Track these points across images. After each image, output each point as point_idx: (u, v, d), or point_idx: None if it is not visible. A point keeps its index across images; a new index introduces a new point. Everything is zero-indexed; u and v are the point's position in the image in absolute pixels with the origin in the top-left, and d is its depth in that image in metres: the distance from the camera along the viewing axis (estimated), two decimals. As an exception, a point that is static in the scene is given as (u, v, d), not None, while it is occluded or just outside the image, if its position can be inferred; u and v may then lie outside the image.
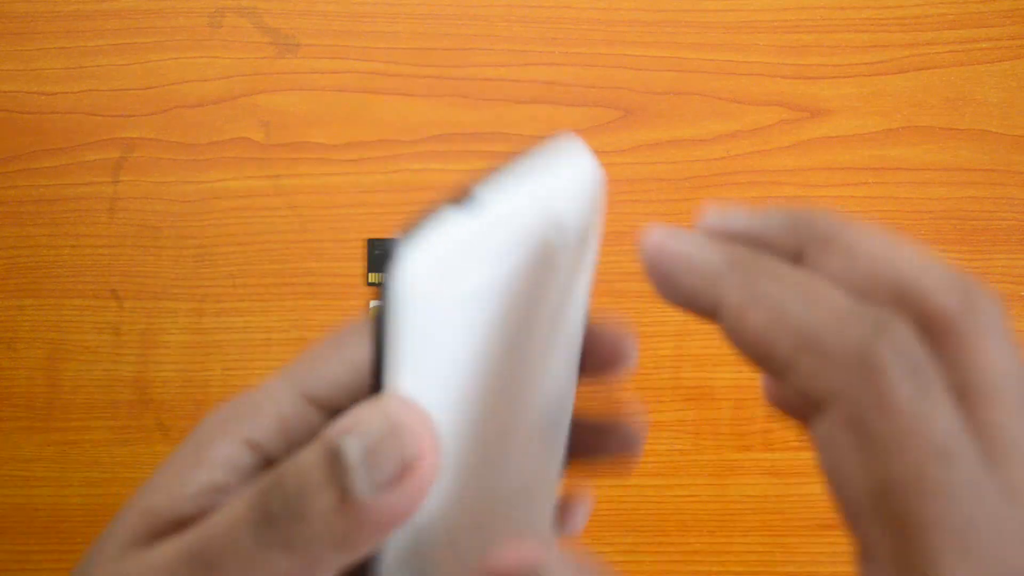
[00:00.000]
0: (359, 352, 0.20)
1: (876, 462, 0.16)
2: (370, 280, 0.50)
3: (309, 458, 0.18)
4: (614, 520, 0.49)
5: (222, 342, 0.49)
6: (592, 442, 0.24)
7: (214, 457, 0.20)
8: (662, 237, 0.19)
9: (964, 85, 0.51)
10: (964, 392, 0.17)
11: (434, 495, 0.19)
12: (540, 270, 0.21)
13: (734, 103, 0.51)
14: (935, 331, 0.17)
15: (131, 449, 0.49)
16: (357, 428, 0.17)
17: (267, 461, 0.20)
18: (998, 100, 0.51)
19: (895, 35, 0.51)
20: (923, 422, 0.16)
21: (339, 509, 0.17)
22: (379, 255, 0.50)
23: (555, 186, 0.21)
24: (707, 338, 0.50)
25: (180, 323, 0.49)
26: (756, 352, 0.18)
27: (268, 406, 0.20)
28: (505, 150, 0.50)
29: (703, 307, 0.19)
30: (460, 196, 0.19)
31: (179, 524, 0.20)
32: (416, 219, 0.18)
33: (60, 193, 0.49)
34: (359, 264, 0.50)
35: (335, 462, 0.17)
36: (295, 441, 0.20)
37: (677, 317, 0.50)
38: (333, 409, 0.20)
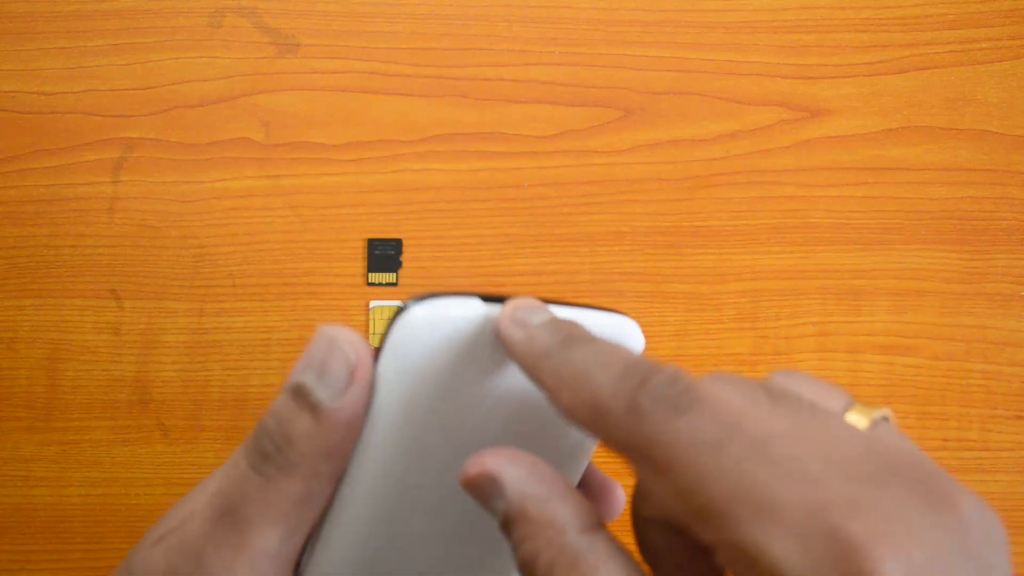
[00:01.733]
0: None
1: (669, 480, 0.18)
2: (370, 280, 0.50)
3: (279, 401, 0.22)
4: (614, 520, 0.49)
5: (222, 342, 0.49)
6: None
7: None
8: (511, 315, 0.22)
9: (964, 85, 0.51)
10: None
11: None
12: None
13: (734, 103, 0.51)
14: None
15: (131, 449, 0.49)
16: (305, 361, 0.22)
17: None
18: (998, 100, 0.51)
19: (895, 35, 0.51)
20: (691, 430, 0.18)
21: (316, 423, 0.22)
22: (379, 255, 0.50)
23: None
24: (707, 338, 0.50)
25: (180, 323, 0.49)
26: (577, 424, 0.20)
27: None
28: (505, 150, 0.50)
29: (536, 383, 0.22)
30: (494, 295, 0.22)
31: None
32: (443, 292, 0.21)
33: (60, 193, 0.49)
34: (359, 264, 0.50)
35: (299, 393, 0.22)
36: None
37: (677, 317, 0.50)
38: None
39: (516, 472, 0.21)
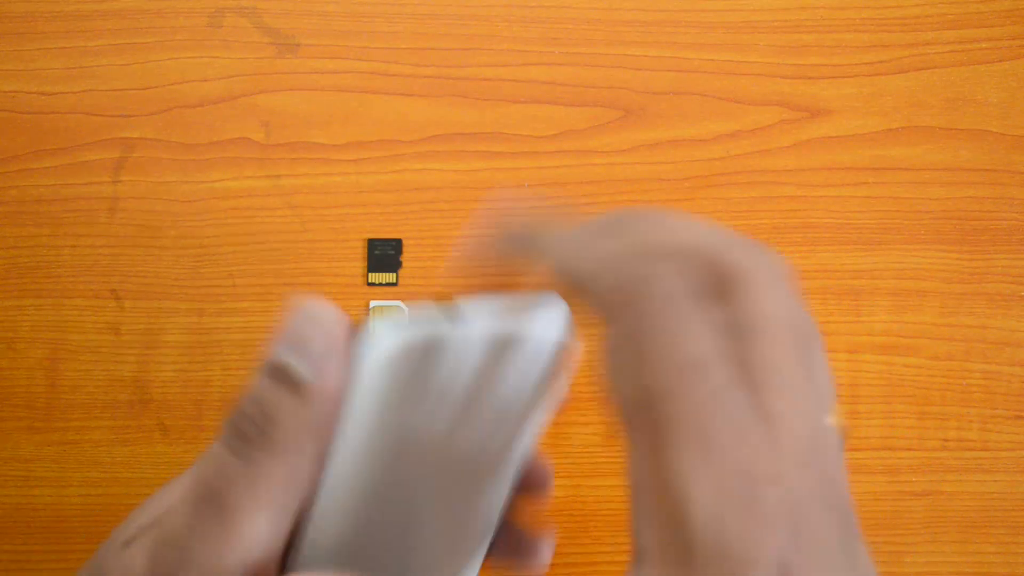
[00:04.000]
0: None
1: (643, 370, 0.19)
2: (370, 280, 0.50)
3: (256, 384, 0.22)
4: (615, 520, 0.49)
5: (222, 342, 0.49)
6: (505, 545, 0.28)
7: None
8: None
9: (964, 85, 0.51)
10: (745, 328, 0.20)
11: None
12: (485, 386, 0.24)
13: (734, 103, 0.51)
14: (725, 282, 0.20)
15: (131, 449, 0.49)
16: (280, 340, 0.22)
17: None
18: (998, 100, 0.51)
19: (895, 35, 0.51)
20: (682, 342, 0.19)
21: (299, 399, 0.21)
22: (379, 255, 0.50)
23: (527, 336, 0.24)
24: (707, 338, 0.50)
25: (180, 323, 0.49)
26: (580, 270, 0.21)
27: None
28: (505, 150, 0.50)
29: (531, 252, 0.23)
30: (449, 306, 0.22)
31: None
32: (407, 311, 0.22)
33: (60, 193, 0.49)
34: (359, 264, 0.50)
35: (278, 372, 0.21)
36: None
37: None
38: None
39: None
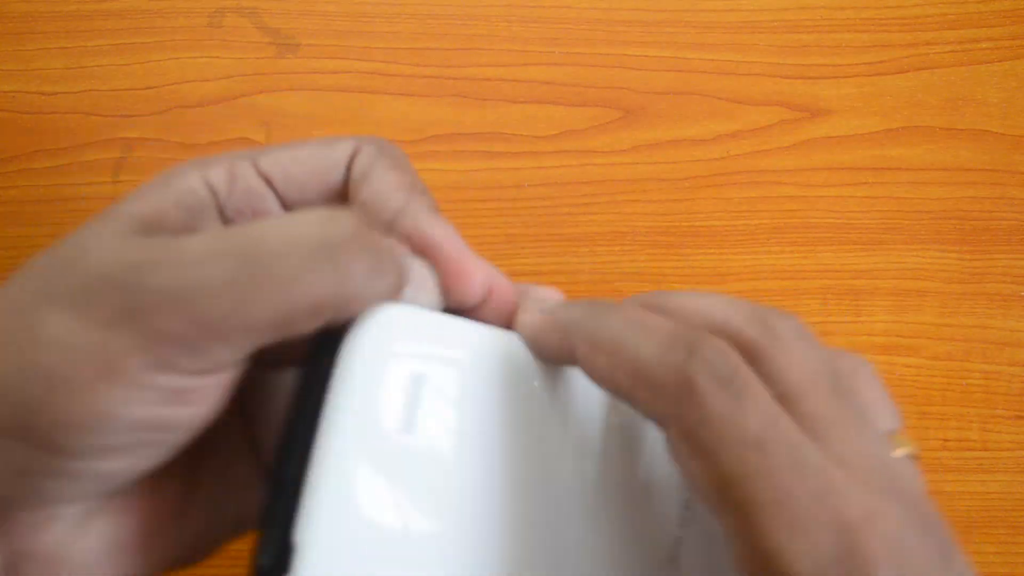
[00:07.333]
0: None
1: (709, 463, 0.19)
2: (370, 280, 0.50)
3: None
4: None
5: (222, 342, 0.49)
6: None
7: (181, 184, 0.23)
8: (529, 310, 0.23)
9: (964, 85, 0.51)
10: (784, 397, 0.21)
11: None
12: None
13: (734, 103, 0.50)
14: (750, 356, 0.21)
15: (131, 449, 0.49)
16: None
17: (217, 205, 0.24)
18: (998, 100, 0.51)
19: (895, 35, 0.51)
20: (738, 422, 0.19)
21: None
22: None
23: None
24: (707, 338, 0.50)
25: (180, 323, 0.49)
26: (609, 389, 0.21)
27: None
28: (505, 150, 0.50)
29: (566, 359, 0.22)
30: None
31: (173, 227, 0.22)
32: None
33: (60, 193, 0.49)
34: (359, 264, 0.50)
35: None
36: (241, 193, 0.24)
37: (677, 317, 0.50)
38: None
39: None
